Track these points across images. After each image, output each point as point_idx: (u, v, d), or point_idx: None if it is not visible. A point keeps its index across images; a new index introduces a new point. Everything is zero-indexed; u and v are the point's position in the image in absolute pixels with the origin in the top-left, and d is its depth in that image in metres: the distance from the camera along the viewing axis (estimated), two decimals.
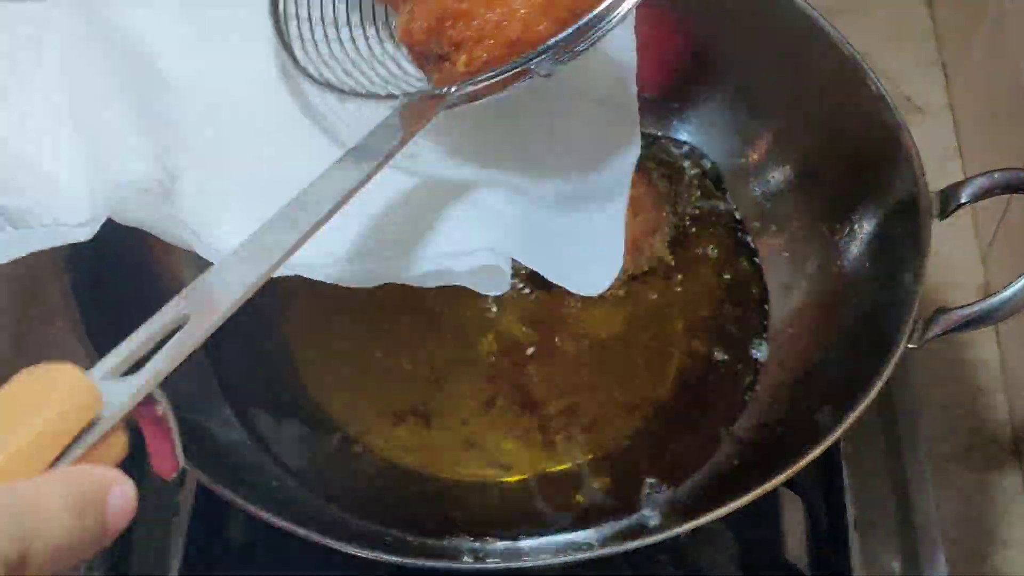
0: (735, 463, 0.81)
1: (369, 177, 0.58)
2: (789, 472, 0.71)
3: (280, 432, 0.83)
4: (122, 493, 0.45)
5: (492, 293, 0.71)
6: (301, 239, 0.55)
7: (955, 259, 1.00)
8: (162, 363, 0.49)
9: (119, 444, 0.47)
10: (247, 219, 0.58)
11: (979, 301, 0.74)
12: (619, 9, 0.62)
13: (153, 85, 0.68)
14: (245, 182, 0.68)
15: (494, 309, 0.88)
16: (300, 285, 0.72)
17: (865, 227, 0.84)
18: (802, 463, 0.71)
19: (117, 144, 0.64)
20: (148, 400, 0.48)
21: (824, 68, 0.87)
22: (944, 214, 0.78)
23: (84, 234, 0.61)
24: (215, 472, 0.70)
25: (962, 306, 0.75)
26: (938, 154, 1.05)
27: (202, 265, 0.64)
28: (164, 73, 0.69)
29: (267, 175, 0.68)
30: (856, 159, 0.85)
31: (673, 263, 0.90)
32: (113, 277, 0.77)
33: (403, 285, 0.74)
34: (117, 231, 0.68)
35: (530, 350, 0.86)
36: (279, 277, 0.59)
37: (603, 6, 0.62)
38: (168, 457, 0.49)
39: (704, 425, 0.84)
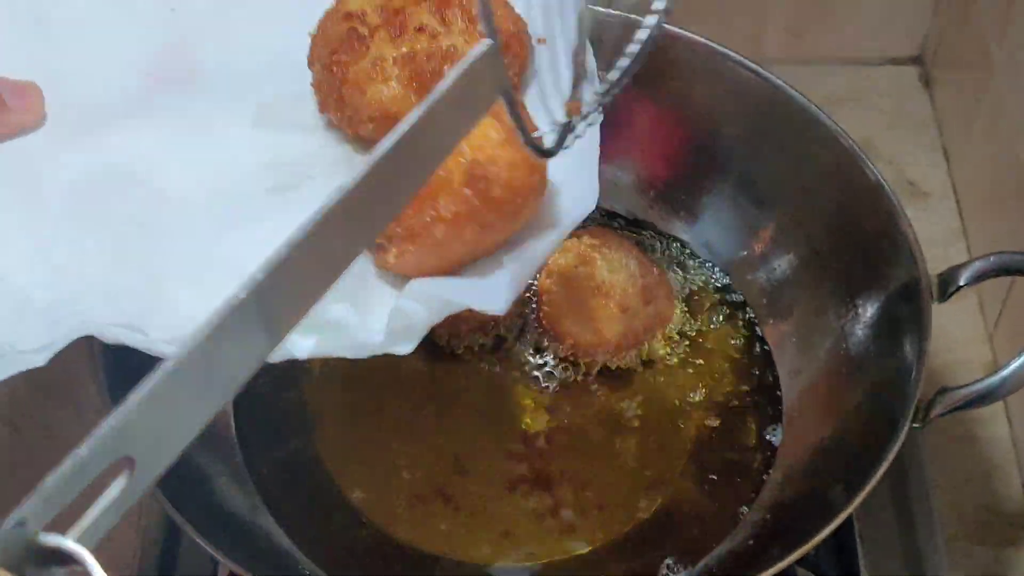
0: (751, 542, 0.82)
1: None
2: (804, 550, 0.72)
3: (308, 524, 0.84)
4: None
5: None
6: None
7: (962, 339, 1.01)
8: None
9: None
10: None
11: (980, 380, 0.76)
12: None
13: (142, 205, 0.68)
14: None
15: (515, 394, 0.90)
16: (322, 370, 0.74)
17: (869, 311, 0.86)
18: (815, 541, 0.73)
19: (101, 279, 0.64)
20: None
21: (824, 159, 0.89)
22: (944, 297, 0.80)
23: (40, 360, 0.60)
24: (244, 562, 0.72)
25: (964, 385, 0.77)
26: (943, 237, 1.07)
27: None
28: (152, 187, 0.69)
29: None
30: (858, 246, 0.87)
31: (688, 349, 0.92)
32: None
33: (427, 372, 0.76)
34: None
35: (548, 434, 0.88)
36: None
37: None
38: None
39: (721, 506, 0.85)
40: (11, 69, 0.68)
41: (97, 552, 0.89)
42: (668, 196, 0.98)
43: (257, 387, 0.89)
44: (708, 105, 0.94)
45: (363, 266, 0.63)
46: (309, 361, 0.88)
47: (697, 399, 0.90)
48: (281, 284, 0.42)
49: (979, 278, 0.79)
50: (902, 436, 0.75)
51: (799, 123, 0.89)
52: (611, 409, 0.90)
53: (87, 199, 0.67)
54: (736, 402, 0.90)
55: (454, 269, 0.63)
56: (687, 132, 0.95)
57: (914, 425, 0.76)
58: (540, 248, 0.63)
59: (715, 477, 0.87)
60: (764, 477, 0.86)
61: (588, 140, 0.63)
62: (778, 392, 0.90)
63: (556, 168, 0.64)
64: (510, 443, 0.88)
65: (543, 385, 0.90)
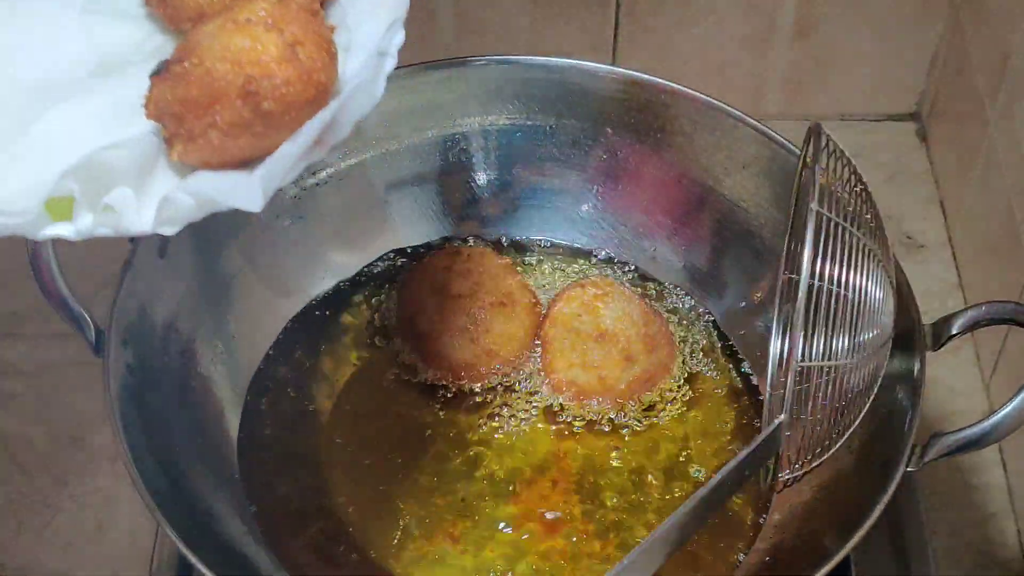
0: None
1: None
2: None
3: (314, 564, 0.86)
4: None
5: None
6: None
7: (960, 390, 1.03)
8: None
9: None
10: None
11: (972, 425, 0.78)
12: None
13: None
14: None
15: (523, 442, 0.91)
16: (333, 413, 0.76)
17: None
18: None
19: None
20: None
21: None
22: (937, 345, 0.82)
23: None
24: None
25: (959, 429, 0.78)
26: (939, 288, 1.09)
27: None
28: None
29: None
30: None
31: (687, 398, 0.94)
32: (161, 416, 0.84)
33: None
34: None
35: (552, 478, 0.89)
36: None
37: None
38: None
39: (718, 550, 0.86)
40: None
41: None
42: (669, 248, 1.00)
43: (265, 430, 0.92)
44: (709, 159, 0.96)
45: (149, 151, 0.66)
46: (318, 404, 0.92)
47: (697, 447, 0.92)
48: None
49: (972, 327, 0.81)
50: (897, 479, 0.76)
51: (794, 175, 0.91)
52: (612, 456, 0.91)
53: None
54: (734, 450, 0.91)
55: (241, 165, 0.65)
56: (688, 186, 0.97)
57: (909, 468, 0.77)
58: (303, 145, 0.64)
59: (713, 521, 0.87)
60: (761, 521, 0.87)
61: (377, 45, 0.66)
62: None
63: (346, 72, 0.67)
64: (511, 486, 0.89)
65: (551, 428, 0.92)
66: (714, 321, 0.98)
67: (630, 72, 0.95)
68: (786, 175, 0.92)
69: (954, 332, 0.81)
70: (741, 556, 0.86)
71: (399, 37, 0.66)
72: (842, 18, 1.14)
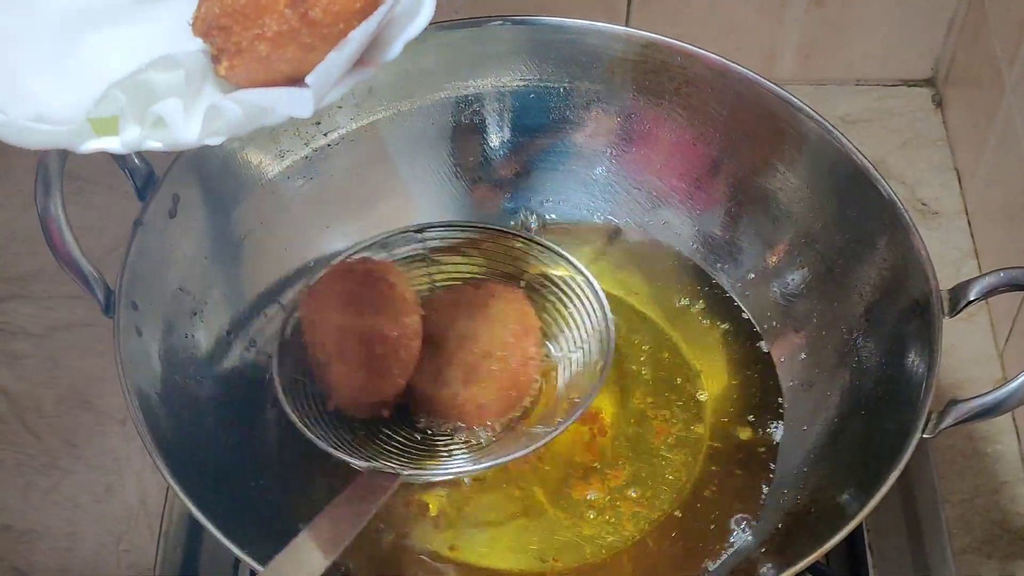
0: (762, 551, 0.83)
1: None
2: (815, 555, 0.74)
3: None
4: None
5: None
6: None
7: (973, 358, 1.03)
8: None
9: None
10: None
11: (989, 392, 0.77)
12: None
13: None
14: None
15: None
16: None
17: (880, 325, 0.87)
18: (826, 547, 0.74)
19: None
20: None
21: (838, 176, 0.90)
22: (954, 311, 0.81)
23: None
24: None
25: (975, 396, 0.78)
26: (954, 256, 1.09)
27: None
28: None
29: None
30: (871, 261, 0.88)
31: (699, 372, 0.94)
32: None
33: None
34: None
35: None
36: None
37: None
38: None
39: (730, 516, 0.86)
40: None
41: (120, 554, 0.92)
42: (684, 212, 0.99)
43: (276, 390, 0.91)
44: (724, 123, 0.95)
45: (199, 67, 0.66)
46: None
47: (707, 416, 0.92)
48: None
49: (989, 293, 0.80)
50: (912, 445, 0.76)
51: (813, 141, 0.91)
52: (623, 425, 0.91)
53: None
54: (742, 414, 0.92)
55: (286, 83, 0.65)
56: (703, 149, 0.97)
57: (924, 435, 0.77)
58: (348, 54, 0.64)
59: (721, 488, 0.88)
60: (774, 486, 0.87)
61: None
62: (783, 402, 0.92)
63: None
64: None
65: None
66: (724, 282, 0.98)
67: (646, 33, 0.94)
68: (802, 138, 0.91)
69: (972, 298, 0.81)
70: (754, 520, 0.86)
71: None
72: None
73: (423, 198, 1.00)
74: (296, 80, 0.64)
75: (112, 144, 0.63)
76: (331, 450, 0.83)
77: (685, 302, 0.97)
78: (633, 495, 0.88)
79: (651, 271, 0.99)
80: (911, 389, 0.80)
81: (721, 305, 0.97)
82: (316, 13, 0.63)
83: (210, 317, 0.89)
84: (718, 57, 0.93)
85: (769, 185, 0.95)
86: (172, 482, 0.75)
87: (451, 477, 0.87)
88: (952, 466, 0.97)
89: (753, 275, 0.97)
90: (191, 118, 0.64)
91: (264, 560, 0.72)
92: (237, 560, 0.87)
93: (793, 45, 1.18)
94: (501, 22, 0.95)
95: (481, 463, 0.85)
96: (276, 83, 0.65)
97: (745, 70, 0.93)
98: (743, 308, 0.96)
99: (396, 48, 0.65)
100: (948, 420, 0.77)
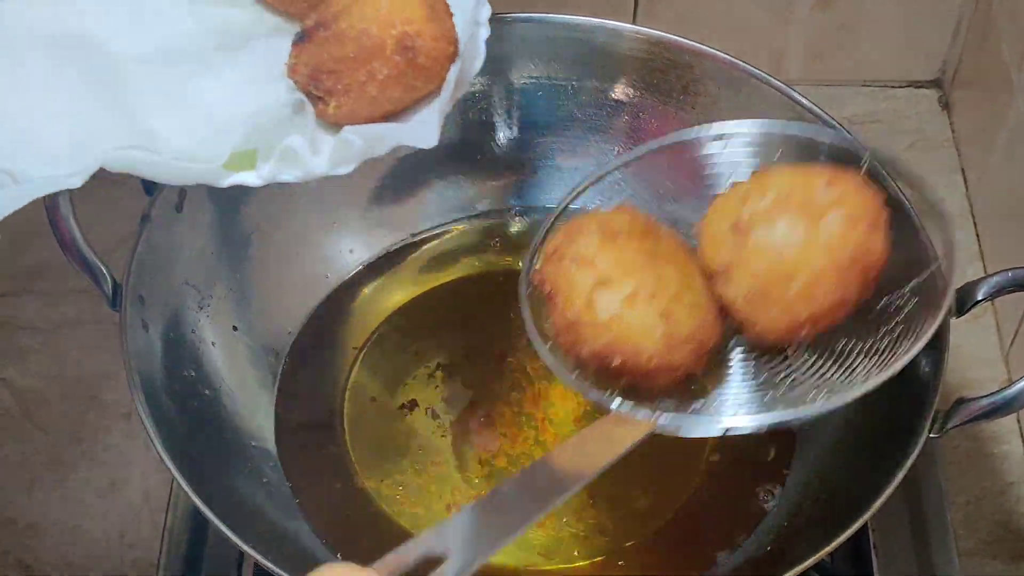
0: (767, 549, 0.83)
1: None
2: (821, 554, 0.74)
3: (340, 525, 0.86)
4: None
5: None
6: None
7: (978, 359, 1.02)
8: None
9: None
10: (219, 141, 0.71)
11: (997, 391, 0.77)
12: None
13: (106, 62, 0.77)
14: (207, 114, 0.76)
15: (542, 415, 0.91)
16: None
17: (889, 323, 0.87)
18: (831, 547, 0.74)
19: (100, 118, 0.74)
20: None
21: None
22: (961, 311, 0.81)
23: (76, 181, 0.68)
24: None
25: (982, 396, 0.78)
26: (960, 256, 1.08)
27: None
28: (110, 49, 0.78)
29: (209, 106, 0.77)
30: None
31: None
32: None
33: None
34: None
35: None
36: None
37: None
38: None
39: (736, 515, 0.86)
40: None
41: (124, 549, 0.92)
42: (690, 211, 0.97)
43: (285, 385, 0.92)
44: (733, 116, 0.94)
45: (300, 112, 0.74)
46: (340, 360, 0.92)
47: None
48: None
49: (996, 293, 0.80)
50: (920, 445, 0.76)
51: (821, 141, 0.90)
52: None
53: (59, 56, 0.76)
54: None
55: (382, 119, 0.74)
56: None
57: (931, 435, 0.77)
58: (451, 93, 0.74)
59: (727, 487, 0.88)
60: (780, 485, 0.87)
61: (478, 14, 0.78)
62: None
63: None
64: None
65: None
66: None
67: (655, 32, 0.94)
68: (810, 138, 0.91)
69: (979, 298, 0.81)
70: (759, 518, 0.86)
71: (486, 9, 0.78)
72: None
73: (429, 196, 1.01)
74: (391, 117, 0.74)
75: (250, 178, 0.71)
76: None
77: None
78: (638, 494, 0.88)
79: None
80: (918, 389, 0.80)
81: None
82: (422, 59, 0.72)
83: (216, 312, 0.90)
84: (727, 56, 0.93)
85: None
86: (177, 476, 0.75)
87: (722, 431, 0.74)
88: (958, 467, 0.97)
89: None
90: (318, 151, 0.71)
91: (268, 555, 0.72)
92: (241, 554, 0.88)
93: (801, 46, 1.18)
94: (510, 19, 0.95)
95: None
96: (375, 119, 0.73)
97: (754, 69, 0.93)
98: None
99: (466, 85, 0.77)
100: (955, 420, 0.77)
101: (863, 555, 0.89)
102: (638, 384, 0.72)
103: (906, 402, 0.80)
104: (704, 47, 0.94)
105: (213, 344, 0.89)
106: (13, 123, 0.72)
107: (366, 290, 0.97)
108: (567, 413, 0.91)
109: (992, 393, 0.77)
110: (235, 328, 0.90)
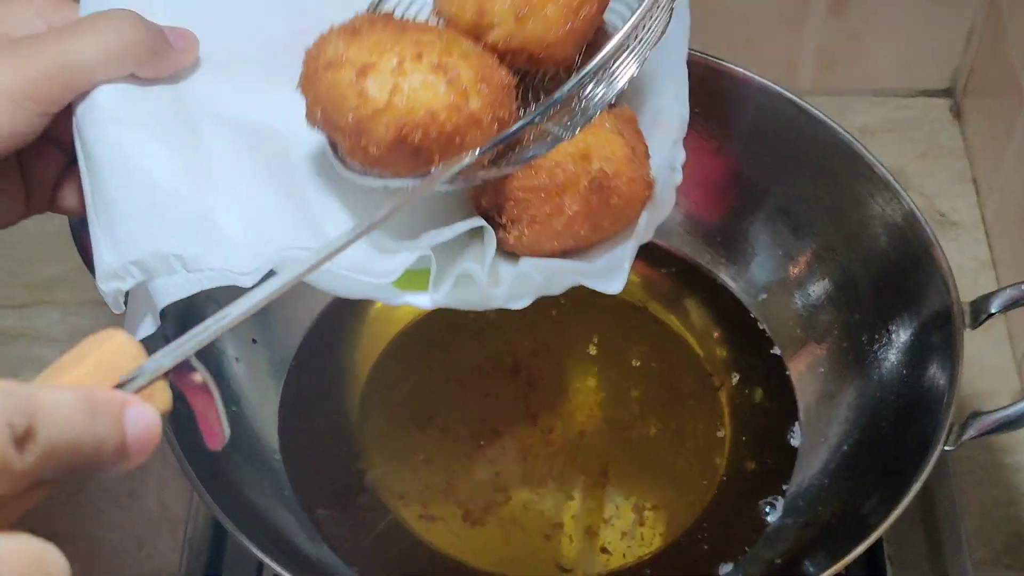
0: (778, 561, 0.83)
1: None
2: (835, 568, 0.74)
3: (352, 534, 0.87)
4: (142, 413, 0.49)
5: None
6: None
7: (991, 368, 1.02)
8: (202, 335, 0.55)
9: (161, 398, 0.52)
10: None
11: (1012, 404, 0.78)
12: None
13: (288, 158, 0.74)
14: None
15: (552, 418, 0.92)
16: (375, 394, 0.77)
17: (901, 336, 0.87)
18: (847, 559, 0.74)
19: (277, 218, 0.70)
20: (188, 367, 0.54)
21: (859, 187, 0.90)
22: (975, 323, 0.82)
23: (247, 281, 0.66)
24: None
25: (997, 409, 0.78)
26: (972, 267, 1.09)
27: None
28: (293, 147, 0.74)
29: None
30: (892, 272, 0.89)
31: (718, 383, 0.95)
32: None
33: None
34: None
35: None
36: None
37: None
38: (215, 427, 0.54)
39: (748, 528, 0.87)
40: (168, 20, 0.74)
41: (142, 560, 0.92)
42: (707, 223, 0.99)
43: (304, 398, 0.92)
44: (746, 134, 0.96)
45: (486, 234, 0.70)
46: (357, 370, 0.93)
47: (728, 423, 0.92)
48: None
49: (1010, 306, 0.81)
50: (935, 457, 0.76)
51: (834, 152, 0.91)
52: (645, 434, 0.92)
53: (242, 144, 0.72)
54: (760, 425, 0.92)
55: (560, 255, 0.70)
56: (726, 161, 0.97)
57: (946, 447, 0.77)
58: (641, 237, 0.70)
59: (740, 499, 0.89)
60: (794, 497, 0.88)
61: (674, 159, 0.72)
62: (802, 413, 0.92)
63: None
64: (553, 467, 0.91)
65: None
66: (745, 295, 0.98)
67: None
68: (822, 150, 0.92)
69: (993, 311, 0.81)
70: (772, 530, 0.86)
71: (682, 155, 0.72)
72: None
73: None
74: (566, 254, 0.70)
75: (423, 301, 0.69)
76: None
77: (704, 311, 0.98)
78: (651, 506, 0.88)
79: (670, 280, 0.99)
80: (932, 401, 0.80)
81: (739, 316, 0.97)
82: (615, 200, 0.68)
83: (236, 325, 0.90)
84: (740, 68, 0.94)
85: (790, 195, 0.96)
86: (199, 487, 0.76)
87: None
88: (971, 478, 0.97)
89: (773, 286, 0.97)
90: (496, 281, 0.68)
91: (287, 565, 0.72)
92: (260, 565, 0.88)
93: (812, 56, 1.18)
94: None
95: None
96: (555, 254, 0.70)
97: (766, 81, 0.94)
98: (760, 320, 0.97)
99: (651, 233, 0.71)
100: (970, 432, 0.78)
101: (878, 566, 0.89)
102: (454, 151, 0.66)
103: (921, 414, 0.81)
104: (717, 60, 0.94)
105: (235, 359, 0.90)
106: (188, 206, 0.69)
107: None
108: (581, 422, 0.92)
109: (1007, 406, 0.78)
110: (254, 341, 0.91)
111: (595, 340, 0.96)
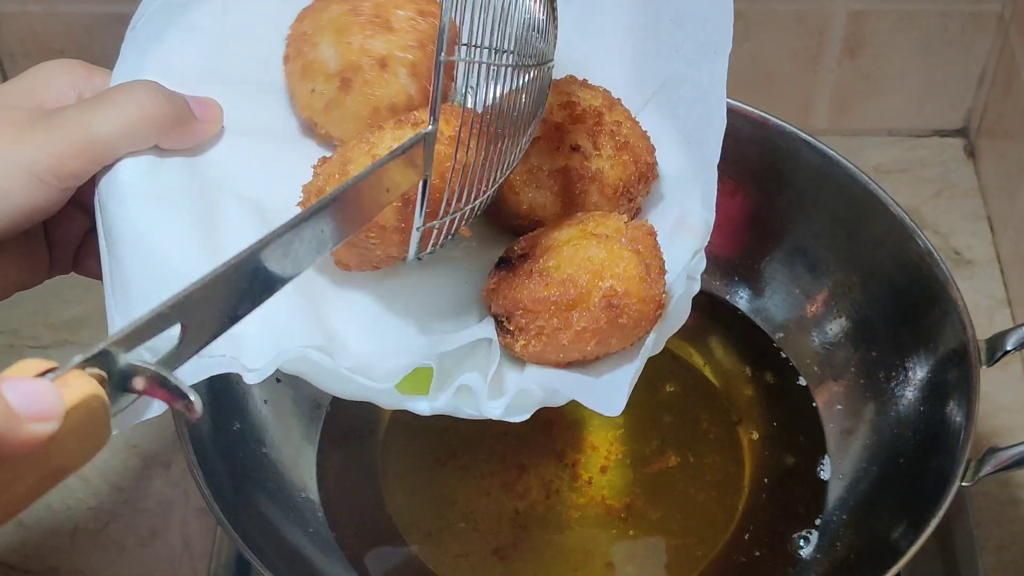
0: None
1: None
2: None
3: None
4: (20, 382, 0.47)
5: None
6: None
7: (1007, 405, 1.03)
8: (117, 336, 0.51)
9: (77, 384, 0.49)
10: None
11: None
12: None
13: None
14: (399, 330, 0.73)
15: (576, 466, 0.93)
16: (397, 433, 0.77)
17: (918, 374, 0.88)
18: None
19: (288, 312, 0.69)
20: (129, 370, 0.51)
21: (875, 226, 0.91)
22: (991, 361, 0.82)
23: (253, 378, 0.66)
24: None
25: (1013, 445, 0.79)
26: (987, 304, 1.10)
27: None
28: None
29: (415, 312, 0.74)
30: (908, 310, 0.89)
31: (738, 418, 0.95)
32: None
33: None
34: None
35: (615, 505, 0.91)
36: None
37: None
38: (178, 404, 0.51)
39: (770, 566, 0.87)
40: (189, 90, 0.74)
41: None
42: (724, 262, 1.00)
43: (332, 434, 0.93)
44: (762, 175, 0.96)
45: (491, 346, 0.70)
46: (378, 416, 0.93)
47: (750, 462, 0.93)
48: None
49: None
50: (952, 493, 0.77)
51: (849, 192, 0.92)
52: (666, 468, 0.92)
53: (258, 228, 0.71)
54: (786, 464, 0.92)
55: (568, 364, 0.70)
56: (742, 201, 0.98)
57: (963, 483, 0.77)
58: (642, 358, 0.69)
59: (760, 534, 0.89)
60: (813, 535, 0.88)
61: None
62: (826, 451, 0.92)
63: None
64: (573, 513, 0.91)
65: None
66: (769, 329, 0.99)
67: None
68: (838, 190, 0.92)
69: (1008, 348, 0.82)
70: (792, 569, 0.86)
71: (702, 263, 0.70)
72: (891, 34, 1.14)
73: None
74: (571, 365, 0.70)
75: (420, 407, 0.68)
76: None
77: (727, 344, 0.98)
78: (675, 542, 0.89)
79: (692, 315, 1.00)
80: (949, 437, 0.81)
81: (760, 352, 0.98)
82: (625, 319, 0.67)
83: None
84: (755, 109, 0.95)
85: (806, 235, 0.96)
86: (227, 527, 0.76)
87: None
88: (988, 514, 0.97)
89: (791, 324, 0.98)
90: (496, 394, 0.68)
91: None
92: None
93: (827, 96, 1.19)
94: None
95: None
96: (560, 365, 0.70)
97: (781, 122, 0.94)
98: (784, 353, 0.97)
99: (662, 345, 0.70)
100: (987, 468, 0.78)
101: None
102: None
103: (938, 451, 0.81)
104: (733, 100, 0.94)
105: (260, 398, 0.91)
106: None
107: None
108: (603, 457, 0.92)
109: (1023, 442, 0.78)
110: (278, 380, 0.92)
111: None
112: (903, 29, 1.14)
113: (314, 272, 0.72)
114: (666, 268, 0.71)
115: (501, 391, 0.69)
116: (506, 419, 0.68)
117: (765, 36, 1.14)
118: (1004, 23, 1.12)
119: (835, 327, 0.95)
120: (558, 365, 0.70)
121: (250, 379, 0.65)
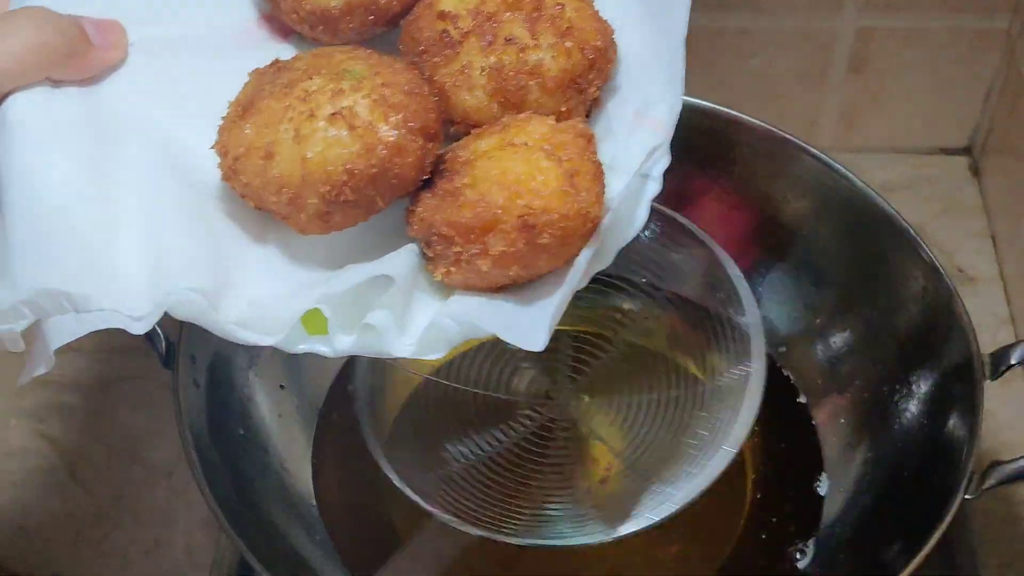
0: None
1: None
2: None
3: None
4: None
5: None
6: None
7: (1011, 420, 1.03)
8: None
9: None
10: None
11: None
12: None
13: (207, 195, 0.67)
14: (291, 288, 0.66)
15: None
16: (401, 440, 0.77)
17: (922, 387, 0.88)
18: None
19: (179, 252, 0.64)
20: None
21: (880, 241, 0.91)
22: (995, 375, 0.82)
23: (139, 328, 0.60)
24: None
25: (1017, 459, 0.79)
26: (991, 322, 1.10)
27: None
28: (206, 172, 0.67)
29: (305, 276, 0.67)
30: (913, 325, 0.90)
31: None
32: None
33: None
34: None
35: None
36: None
37: None
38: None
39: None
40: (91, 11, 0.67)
41: None
42: None
43: (334, 442, 0.93)
44: (769, 188, 0.96)
45: (409, 273, 0.64)
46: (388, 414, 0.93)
47: (750, 474, 0.93)
48: None
49: None
50: (955, 506, 0.76)
51: (855, 206, 0.92)
52: None
53: (161, 166, 0.66)
54: (786, 474, 0.92)
55: (500, 289, 0.64)
56: (749, 214, 0.98)
57: (967, 496, 0.77)
58: (578, 280, 0.62)
59: (760, 548, 0.89)
60: (815, 547, 0.88)
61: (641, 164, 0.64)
62: (825, 466, 0.92)
63: (610, 193, 0.64)
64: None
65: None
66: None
67: (691, 99, 0.96)
68: (844, 204, 0.93)
69: (1012, 362, 0.82)
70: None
71: (664, 161, 0.64)
72: (896, 52, 1.15)
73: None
74: (505, 289, 0.64)
75: (324, 347, 0.63)
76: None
77: (726, 362, 0.98)
78: (674, 554, 0.88)
79: (693, 329, 1.00)
80: (953, 451, 0.81)
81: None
82: (545, 239, 0.61)
83: (264, 371, 0.91)
84: (762, 123, 0.95)
85: (811, 249, 0.97)
86: (231, 535, 0.76)
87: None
88: (990, 530, 0.97)
89: (795, 337, 0.98)
90: (405, 331, 0.63)
91: None
92: None
93: (834, 113, 1.19)
94: None
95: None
96: (491, 290, 0.63)
97: (788, 135, 0.95)
98: (785, 369, 0.97)
99: (610, 257, 0.64)
100: (990, 481, 0.78)
101: None
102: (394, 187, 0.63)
103: (941, 464, 0.81)
104: (741, 116, 0.95)
105: (262, 404, 0.91)
106: (85, 237, 0.62)
107: None
108: (603, 469, 0.92)
109: None
110: (282, 387, 0.92)
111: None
112: (909, 47, 1.14)
113: (217, 206, 0.66)
114: (622, 169, 0.64)
115: (418, 328, 0.63)
116: (420, 357, 0.62)
117: (771, 53, 1.15)
118: (1011, 39, 1.13)
119: (839, 341, 0.95)
120: (489, 290, 0.63)
121: (136, 329, 0.60)
